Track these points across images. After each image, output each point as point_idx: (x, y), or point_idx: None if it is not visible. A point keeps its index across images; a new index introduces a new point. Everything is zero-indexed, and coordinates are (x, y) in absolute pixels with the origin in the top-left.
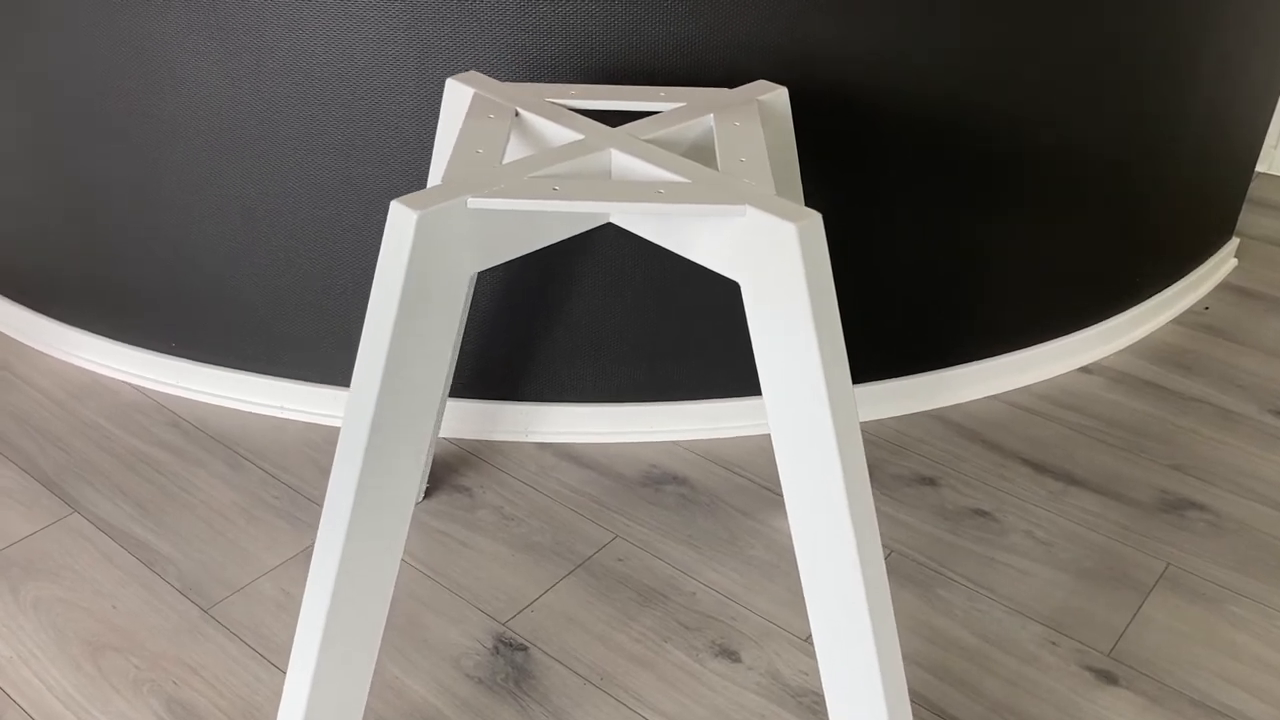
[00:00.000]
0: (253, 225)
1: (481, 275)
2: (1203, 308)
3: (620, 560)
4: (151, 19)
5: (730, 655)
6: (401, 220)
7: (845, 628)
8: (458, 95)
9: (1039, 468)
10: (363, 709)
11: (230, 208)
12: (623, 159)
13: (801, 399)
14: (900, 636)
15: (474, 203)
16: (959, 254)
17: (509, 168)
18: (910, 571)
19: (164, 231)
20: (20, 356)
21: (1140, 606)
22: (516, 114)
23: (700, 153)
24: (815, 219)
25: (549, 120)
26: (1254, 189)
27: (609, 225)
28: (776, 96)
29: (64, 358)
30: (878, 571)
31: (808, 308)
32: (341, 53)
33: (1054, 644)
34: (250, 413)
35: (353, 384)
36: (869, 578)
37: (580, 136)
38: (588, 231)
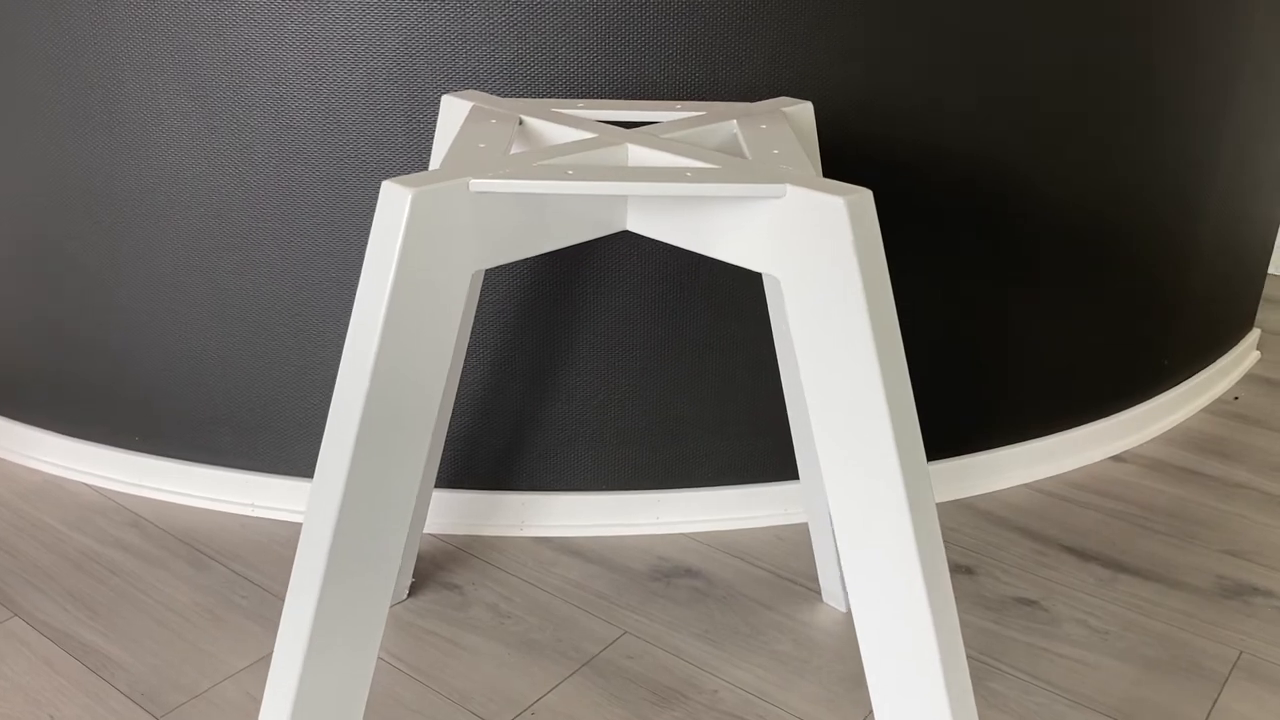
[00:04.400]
0: (222, 309)
1: (471, 352)
2: (1232, 398)
3: (630, 658)
4: (124, 81)
5: None
6: (394, 201)
7: None
8: (455, 112)
9: (1082, 555)
10: None
11: (197, 290)
12: (641, 153)
13: (856, 416)
14: None
15: (477, 184)
16: (983, 335)
17: (516, 156)
18: None
19: (127, 317)
20: None
21: (1218, 697)
22: (520, 122)
23: None
24: (865, 195)
25: (556, 125)
26: (1269, 289)
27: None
28: (801, 110)
29: (21, 461)
30: (957, 652)
31: (861, 298)
32: (325, 111)
33: None
34: (218, 510)
35: (329, 419)
36: (946, 653)
37: (592, 136)
38: (583, 296)
